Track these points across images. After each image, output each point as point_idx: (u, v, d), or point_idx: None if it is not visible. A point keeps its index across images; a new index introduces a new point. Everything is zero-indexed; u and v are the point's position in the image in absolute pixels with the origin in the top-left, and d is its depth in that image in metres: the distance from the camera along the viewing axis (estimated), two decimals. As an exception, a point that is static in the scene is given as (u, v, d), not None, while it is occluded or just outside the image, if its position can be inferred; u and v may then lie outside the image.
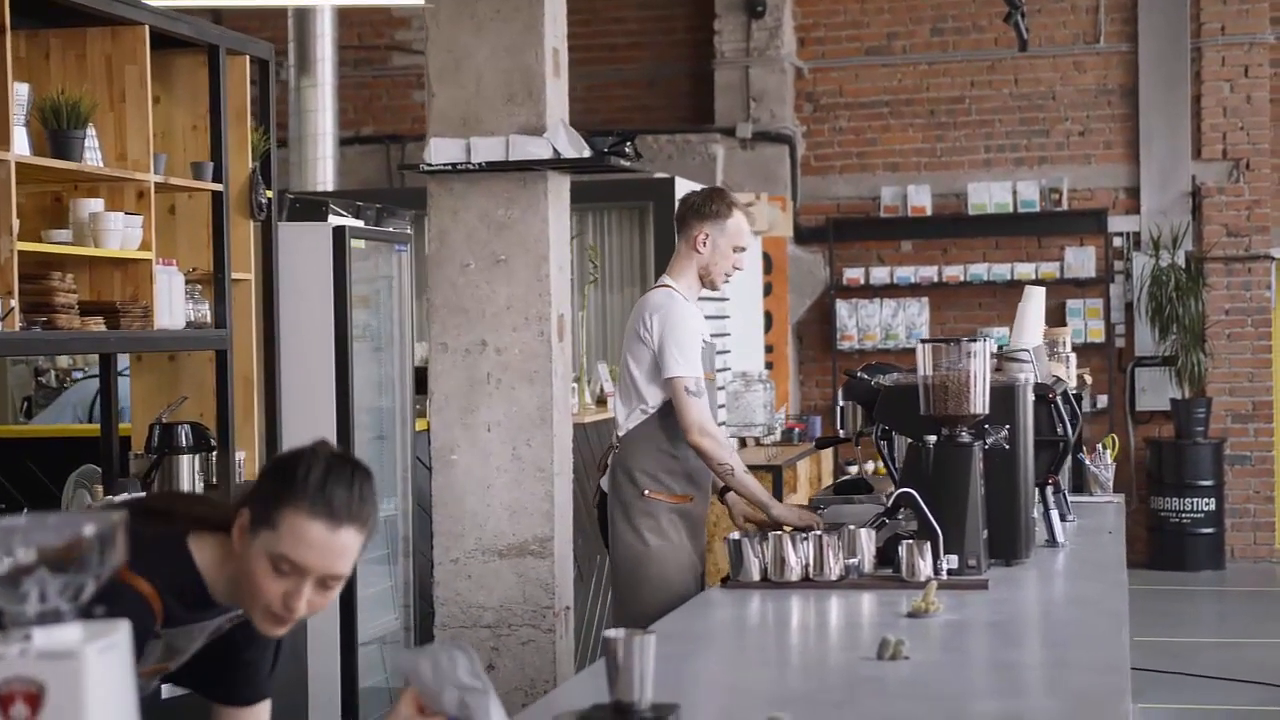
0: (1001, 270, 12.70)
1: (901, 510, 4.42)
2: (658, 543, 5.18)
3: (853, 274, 12.97)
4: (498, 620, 5.75)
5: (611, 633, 2.72)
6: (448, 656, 2.48)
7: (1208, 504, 12.27)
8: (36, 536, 1.75)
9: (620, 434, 5.31)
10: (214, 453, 5.59)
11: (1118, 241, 12.77)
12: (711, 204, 5.32)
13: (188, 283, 5.52)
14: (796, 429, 10.92)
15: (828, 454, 11.23)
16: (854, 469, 12.03)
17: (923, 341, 4.46)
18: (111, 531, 1.77)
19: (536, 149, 5.83)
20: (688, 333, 5.15)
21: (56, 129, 4.80)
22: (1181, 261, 12.40)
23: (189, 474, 5.42)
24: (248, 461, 5.88)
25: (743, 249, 5.36)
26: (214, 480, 5.62)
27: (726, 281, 5.42)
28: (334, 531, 2.58)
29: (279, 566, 2.58)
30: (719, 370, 9.68)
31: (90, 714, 1.71)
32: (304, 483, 2.58)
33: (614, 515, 5.26)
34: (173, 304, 5.30)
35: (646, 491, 5.20)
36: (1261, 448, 12.65)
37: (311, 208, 6.54)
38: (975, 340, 4.43)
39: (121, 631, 1.78)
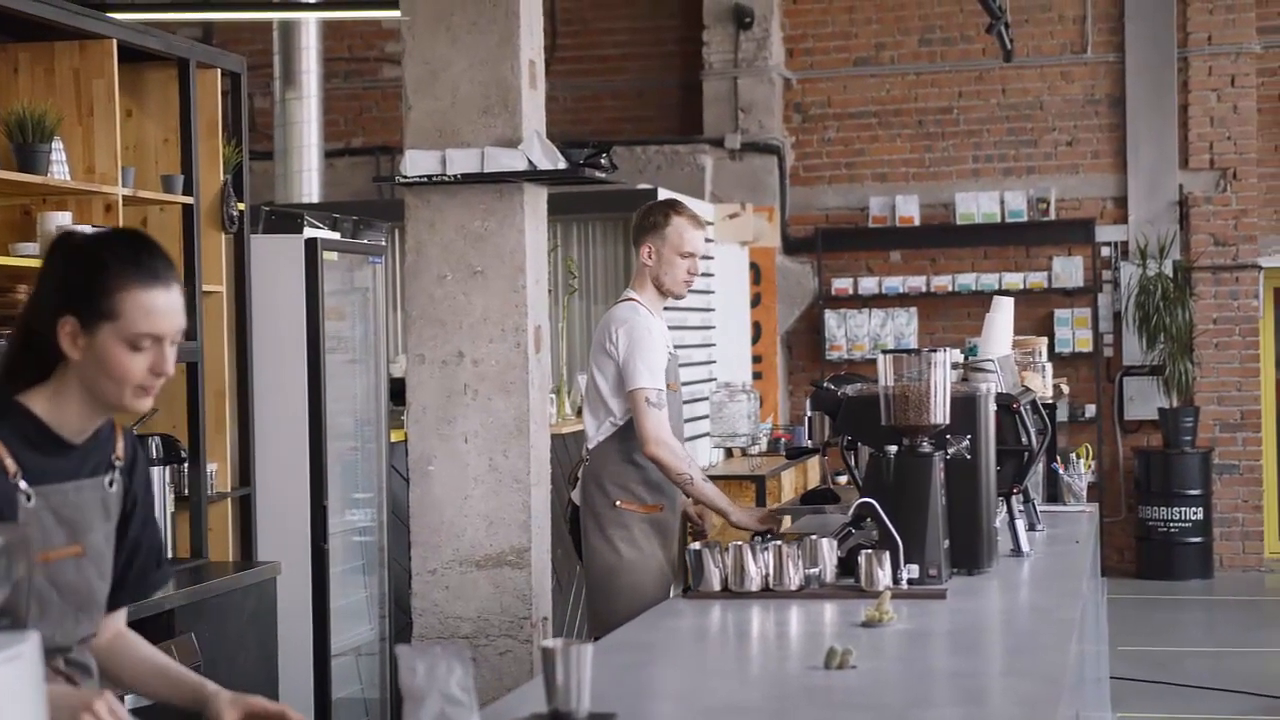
0: (990, 280, 12.71)
1: (865, 520, 4.43)
2: (631, 553, 5.22)
3: (841, 284, 12.98)
4: (475, 631, 5.75)
5: (548, 643, 2.74)
6: (446, 664, 2.50)
7: (1196, 513, 12.27)
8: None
9: (590, 446, 5.38)
10: (185, 465, 5.60)
11: (1105, 251, 12.78)
12: (649, 216, 5.40)
13: (159, 295, 5.54)
14: (783, 439, 10.92)
15: (814, 464, 11.23)
16: (843, 479, 12.02)
17: (884, 352, 4.48)
18: (17, 543, 1.78)
19: (511, 161, 5.85)
20: (652, 346, 5.21)
21: (22, 142, 4.82)
22: (1169, 271, 12.41)
23: (160, 486, 5.43)
24: (219, 474, 5.90)
25: (690, 254, 5.36)
26: (185, 492, 5.64)
27: (688, 287, 5.43)
28: (169, 292, 2.72)
29: (138, 345, 2.69)
30: (698, 381, 9.77)
31: (-7, 724, 1.72)
32: (121, 265, 2.69)
33: (586, 526, 5.32)
34: (142, 316, 5.31)
35: (618, 502, 5.26)
36: (1249, 457, 12.66)
37: (287, 220, 6.55)
38: (936, 351, 4.44)
39: (30, 643, 1.79)
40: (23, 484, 2.66)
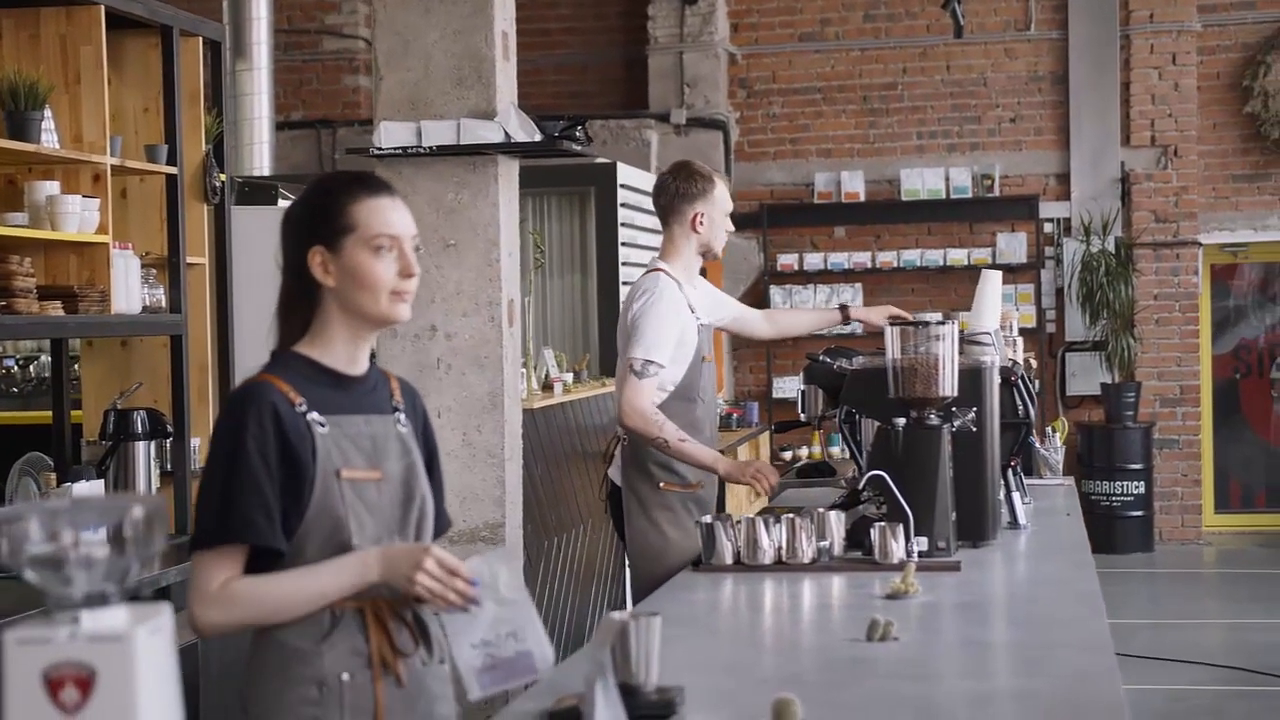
0: (934, 256, 12.78)
1: (865, 492, 4.42)
2: (675, 533, 5.14)
3: (786, 260, 13.01)
4: (449, 606, 5.72)
5: (618, 615, 2.71)
6: (489, 570, 2.50)
7: (1137, 487, 12.41)
8: (82, 519, 1.73)
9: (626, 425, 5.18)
10: (170, 439, 5.52)
11: (1049, 227, 12.88)
12: (696, 183, 5.34)
13: (143, 267, 5.45)
14: (735, 414, 10.94)
15: (764, 439, 11.27)
16: (804, 452, 12.08)
17: (891, 323, 4.47)
18: (157, 513, 1.74)
19: (488, 133, 5.81)
20: (663, 318, 5.11)
21: (14, 110, 4.72)
22: (1111, 247, 12.52)
23: (144, 461, 5.35)
24: (203, 447, 5.81)
25: (729, 210, 5.44)
26: (169, 467, 5.55)
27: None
28: (393, 199, 2.91)
29: (379, 248, 2.84)
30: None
31: (141, 696, 1.68)
32: (343, 185, 2.90)
33: (629, 509, 5.19)
34: (129, 288, 5.22)
35: (662, 484, 5.16)
36: (1189, 431, 12.81)
37: (260, 191, 6.48)
38: (944, 323, 4.44)
39: (165, 615, 1.76)
40: (313, 414, 2.82)
